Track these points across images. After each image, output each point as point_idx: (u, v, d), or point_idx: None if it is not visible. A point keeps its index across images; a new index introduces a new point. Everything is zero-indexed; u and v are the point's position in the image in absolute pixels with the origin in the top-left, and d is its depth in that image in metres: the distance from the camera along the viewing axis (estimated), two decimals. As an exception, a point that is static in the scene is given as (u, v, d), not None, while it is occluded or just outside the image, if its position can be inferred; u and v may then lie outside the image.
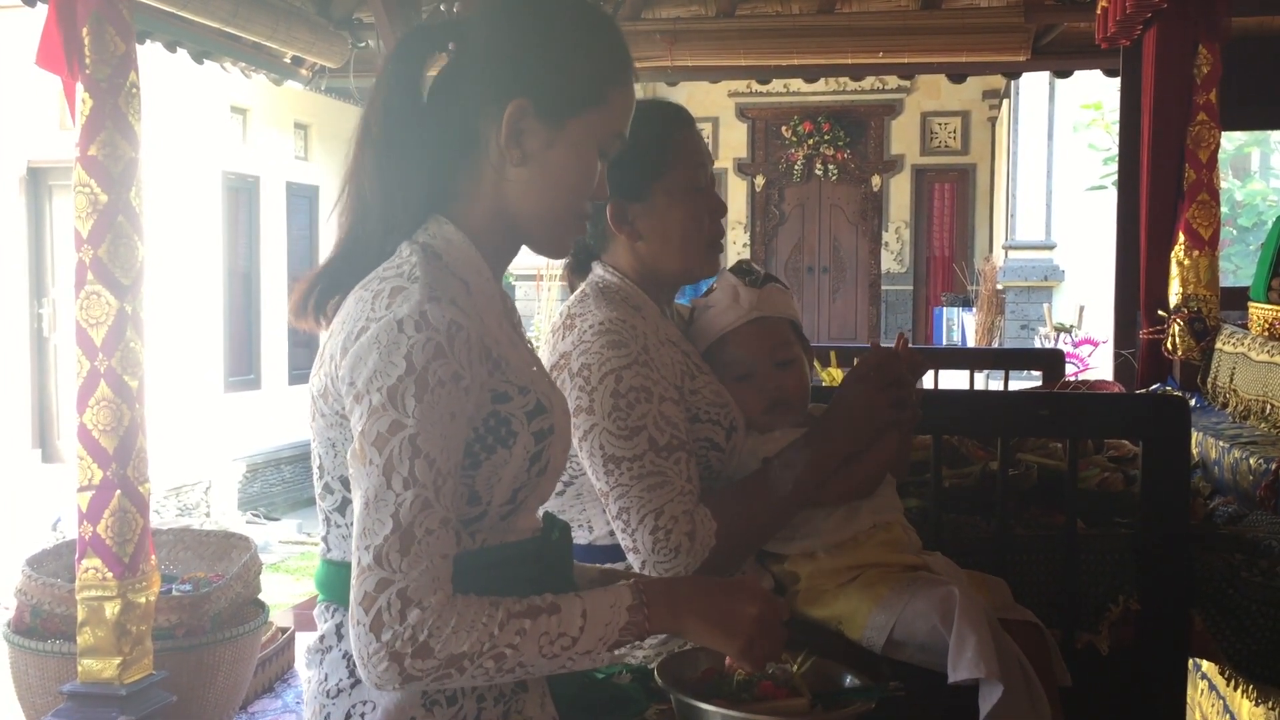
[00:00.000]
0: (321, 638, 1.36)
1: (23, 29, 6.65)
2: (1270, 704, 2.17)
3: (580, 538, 1.73)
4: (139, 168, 3.08)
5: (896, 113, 14.36)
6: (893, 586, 1.75)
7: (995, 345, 10.98)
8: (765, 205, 14.76)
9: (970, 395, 3.39)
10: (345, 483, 1.29)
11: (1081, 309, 10.32)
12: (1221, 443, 2.82)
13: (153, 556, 3.15)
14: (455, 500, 1.25)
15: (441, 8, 5.10)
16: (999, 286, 11.86)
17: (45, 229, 8.89)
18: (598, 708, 1.47)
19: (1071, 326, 9.98)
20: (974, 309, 12.26)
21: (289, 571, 7.12)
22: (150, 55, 4.81)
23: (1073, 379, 3.85)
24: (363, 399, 1.23)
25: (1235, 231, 13.07)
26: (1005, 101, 12.64)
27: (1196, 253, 3.66)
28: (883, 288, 14.54)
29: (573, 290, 1.87)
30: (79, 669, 3.05)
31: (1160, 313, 3.73)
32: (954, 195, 14.39)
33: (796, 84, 13.24)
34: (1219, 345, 3.47)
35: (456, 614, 1.20)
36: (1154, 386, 3.73)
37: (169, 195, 8.45)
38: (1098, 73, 6.08)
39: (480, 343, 1.27)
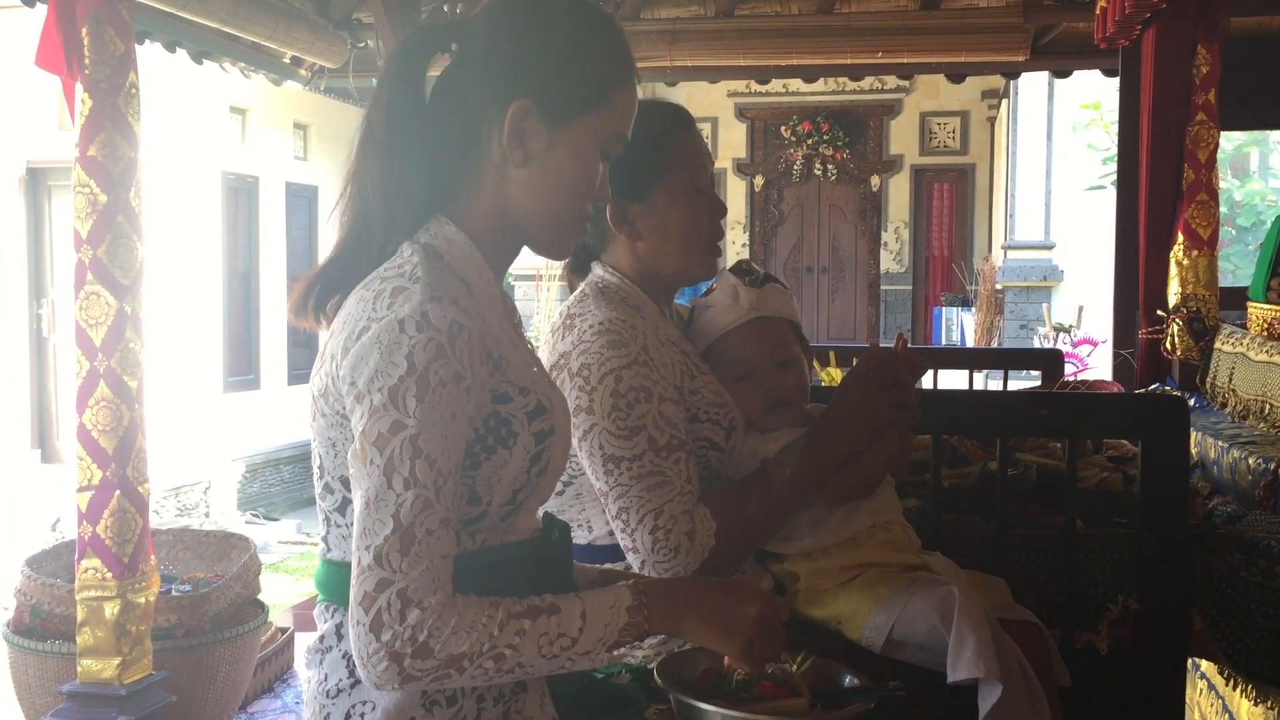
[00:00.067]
0: (321, 638, 1.36)
1: (22, 29, 6.65)
2: (1270, 704, 2.17)
3: (580, 538, 1.73)
4: (138, 168, 3.08)
5: (895, 113, 14.35)
6: (892, 586, 1.75)
7: (994, 345, 10.96)
8: (764, 205, 14.76)
9: (969, 395, 3.39)
10: (345, 483, 1.29)
11: (1080, 309, 10.31)
12: (1220, 442, 2.83)
13: (152, 557, 3.15)
14: (456, 500, 1.25)
15: (445, 8, 5.09)
16: (998, 286, 11.85)
17: (45, 229, 8.88)
18: (597, 708, 1.47)
19: (1070, 326, 9.96)
20: (973, 309, 12.25)
21: (289, 571, 7.12)
22: (149, 55, 4.80)
23: (1072, 379, 3.85)
24: (364, 399, 1.23)
25: (1234, 231, 13.08)
26: (1004, 101, 12.65)
27: (1195, 253, 3.66)
28: (882, 288, 14.54)
29: (572, 290, 1.87)
30: (78, 669, 3.05)
31: (1159, 313, 3.73)
32: (953, 195, 14.39)
33: (795, 84, 13.23)
34: (1218, 345, 3.47)
35: (456, 614, 1.20)
36: (1153, 386, 3.73)
37: (168, 195, 8.45)
38: (1097, 73, 6.08)
39: (481, 343, 1.27)
